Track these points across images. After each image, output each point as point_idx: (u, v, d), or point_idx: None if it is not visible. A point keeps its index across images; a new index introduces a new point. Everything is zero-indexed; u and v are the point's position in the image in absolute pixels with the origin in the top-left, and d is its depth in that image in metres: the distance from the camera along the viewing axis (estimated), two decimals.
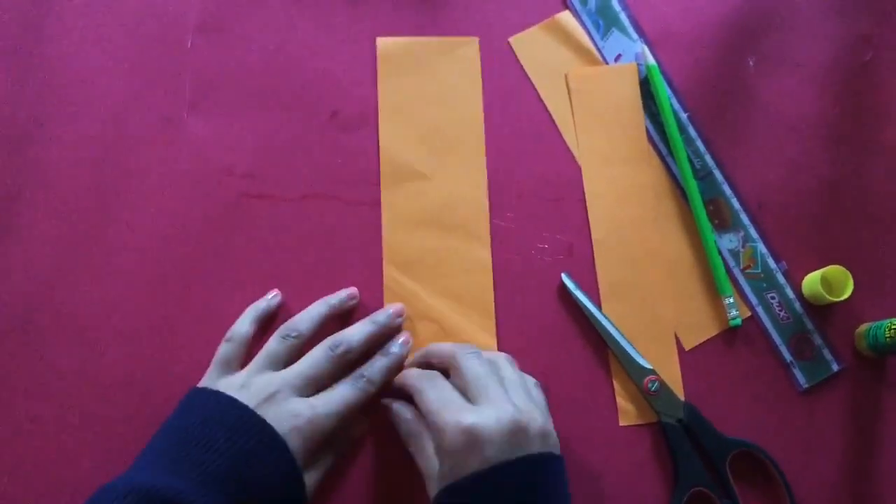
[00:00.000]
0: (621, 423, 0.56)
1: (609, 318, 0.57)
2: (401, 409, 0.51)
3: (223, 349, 0.52)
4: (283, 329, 0.52)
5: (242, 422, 0.46)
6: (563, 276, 0.57)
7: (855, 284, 0.56)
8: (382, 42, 0.60)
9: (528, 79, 0.61)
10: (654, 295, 0.58)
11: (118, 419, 0.53)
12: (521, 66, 0.61)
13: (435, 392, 0.48)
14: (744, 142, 0.61)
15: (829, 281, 0.57)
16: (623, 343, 0.56)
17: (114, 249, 0.56)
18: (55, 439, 0.53)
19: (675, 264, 0.58)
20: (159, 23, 0.60)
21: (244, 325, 0.53)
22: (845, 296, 0.56)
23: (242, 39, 0.60)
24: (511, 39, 0.61)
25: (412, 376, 0.50)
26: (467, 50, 0.61)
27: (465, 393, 0.47)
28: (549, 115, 0.60)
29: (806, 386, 0.57)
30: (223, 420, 0.46)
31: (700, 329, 0.58)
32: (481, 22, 0.61)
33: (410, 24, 0.61)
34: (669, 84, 0.61)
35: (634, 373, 0.56)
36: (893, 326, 0.54)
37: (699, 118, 0.61)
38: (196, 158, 0.58)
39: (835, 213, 0.60)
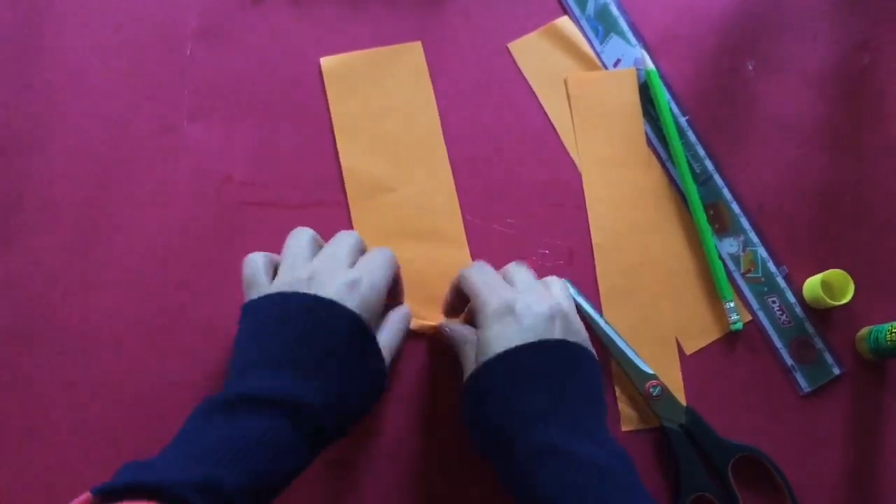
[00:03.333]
0: (623, 429, 0.56)
1: (610, 323, 0.56)
2: (448, 322, 0.52)
3: (244, 272, 0.48)
4: (294, 231, 0.50)
5: (297, 304, 0.45)
6: (564, 281, 0.57)
7: (856, 288, 0.56)
8: (326, 61, 0.59)
9: (528, 84, 0.61)
10: (655, 300, 0.58)
11: (117, 427, 0.53)
12: (521, 72, 0.61)
13: (481, 275, 0.49)
14: (743, 146, 0.61)
15: (829, 285, 0.57)
16: (624, 348, 0.56)
17: (113, 257, 0.56)
18: (51, 447, 0.53)
19: (675, 269, 0.58)
20: (158, 31, 0.60)
21: (257, 253, 0.49)
22: (846, 300, 0.56)
23: (242, 47, 0.60)
24: (510, 45, 0.61)
25: (464, 268, 0.51)
26: (411, 55, 0.60)
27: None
28: (549, 121, 0.60)
29: (807, 390, 0.57)
30: (276, 313, 0.45)
31: (701, 334, 0.58)
32: (481, 28, 0.61)
33: (411, 31, 0.61)
34: (669, 89, 0.61)
35: (636, 378, 0.56)
36: (894, 330, 0.54)
37: (699, 123, 0.61)
38: (195, 166, 0.58)
39: (835, 216, 0.60)
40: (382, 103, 0.59)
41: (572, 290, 0.56)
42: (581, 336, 0.48)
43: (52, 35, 0.59)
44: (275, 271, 0.49)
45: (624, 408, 0.56)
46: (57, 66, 0.59)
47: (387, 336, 0.49)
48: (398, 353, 0.50)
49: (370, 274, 0.47)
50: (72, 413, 0.54)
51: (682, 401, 0.56)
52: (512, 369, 0.44)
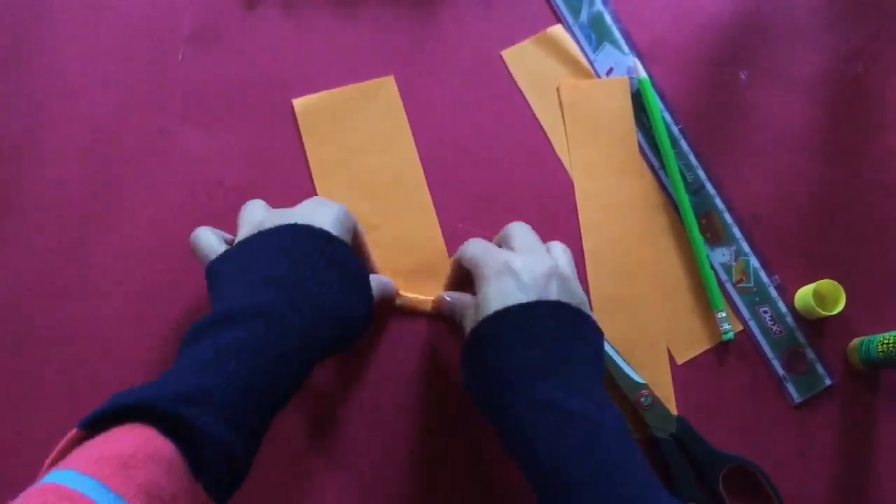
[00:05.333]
0: None
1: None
2: (446, 293, 0.53)
3: (200, 244, 0.49)
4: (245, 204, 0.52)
5: (271, 235, 0.46)
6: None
7: (847, 298, 0.56)
8: (299, 103, 0.59)
9: (521, 92, 0.61)
10: (647, 309, 0.58)
11: None
12: (514, 80, 0.61)
13: (479, 246, 0.49)
14: (736, 155, 0.61)
15: (821, 295, 0.57)
16: (615, 357, 0.56)
17: (104, 261, 0.56)
18: (44, 452, 0.52)
19: (667, 278, 0.58)
20: (151, 35, 0.60)
21: (200, 228, 0.50)
22: (838, 310, 0.56)
23: (234, 53, 0.60)
24: (503, 53, 0.61)
25: (462, 246, 0.51)
26: (385, 90, 0.60)
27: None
28: (541, 128, 0.60)
29: (799, 400, 0.57)
30: (246, 250, 0.46)
31: (692, 343, 0.58)
32: (475, 35, 0.61)
33: (404, 38, 0.61)
34: (661, 97, 0.61)
35: (627, 387, 0.55)
36: (886, 341, 0.54)
37: (691, 131, 0.61)
38: (187, 170, 0.58)
39: (827, 226, 0.60)
40: (358, 141, 0.59)
41: None
42: (579, 299, 0.47)
43: (44, 39, 0.59)
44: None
45: None
46: (49, 71, 0.59)
47: (373, 278, 0.50)
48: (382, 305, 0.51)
49: (333, 206, 0.49)
50: (58, 418, 0.53)
51: (673, 410, 0.56)
52: (511, 325, 0.45)
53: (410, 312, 0.56)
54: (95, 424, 0.36)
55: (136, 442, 0.34)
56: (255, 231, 0.47)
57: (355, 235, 0.51)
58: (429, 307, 0.56)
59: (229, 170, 0.58)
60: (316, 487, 0.54)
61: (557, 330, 0.45)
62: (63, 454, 0.35)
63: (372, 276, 0.51)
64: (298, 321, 0.42)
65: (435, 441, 0.55)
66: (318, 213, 0.48)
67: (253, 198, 0.57)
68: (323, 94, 0.59)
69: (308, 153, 0.58)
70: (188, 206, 0.57)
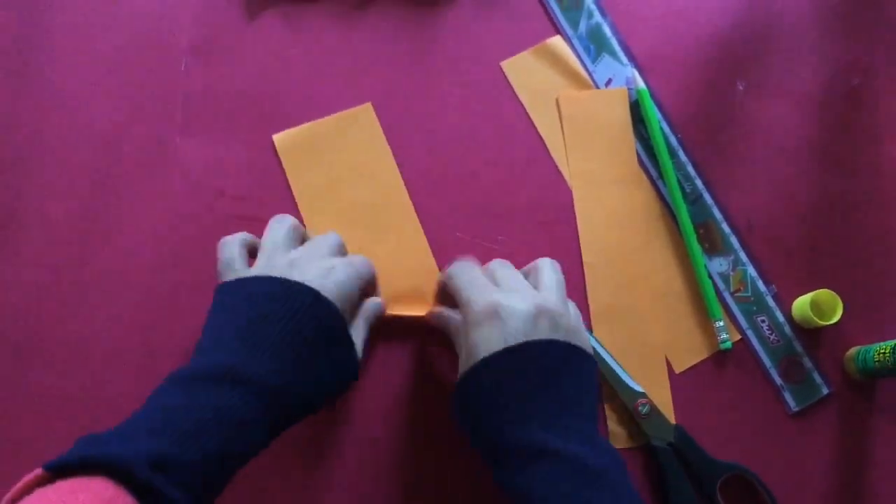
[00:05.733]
0: None
1: (600, 341, 0.57)
2: (442, 309, 0.52)
3: (221, 255, 0.49)
4: (275, 217, 0.51)
5: (273, 289, 0.45)
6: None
7: (844, 308, 0.56)
8: (279, 138, 0.59)
9: (520, 102, 0.61)
10: (645, 318, 0.58)
11: None
12: (513, 90, 0.61)
13: (466, 275, 0.49)
14: (734, 165, 0.61)
15: (818, 305, 0.57)
16: (614, 366, 0.56)
17: (105, 271, 0.56)
18: (43, 460, 0.53)
19: (665, 287, 0.59)
20: (153, 46, 0.60)
21: (234, 236, 0.50)
22: (835, 319, 0.56)
23: (235, 63, 0.60)
24: (503, 64, 0.62)
25: (449, 266, 0.51)
26: (363, 117, 0.60)
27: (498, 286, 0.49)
28: (541, 139, 0.61)
29: (796, 409, 0.57)
30: (249, 295, 0.45)
31: (690, 352, 0.58)
32: (474, 47, 0.62)
33: (404, 49, 0.61)
34: (660, 108, 0.61)
35: (625, 396, 0.56)
36: (882, 350, 0.54)
37: (689, 142, 0.61)
38: (188, 180, 0.58)
39: (824, 237, 0.60)
40: (341, 170, 0.59)
41: None
42: (568, 331, 0.47)
43: (45, 49, 0.60)
44: (251, 255, 0.49)
45: (613, 426, 0.56)
46: (50, 82, 0.59)
47: (358, 327, 0.49)
48: (367, 343, 0.51)
49: (347, 265, 0.48)
50: (60, 426, 0.54)
51: (671, 419, 0.56)
52: (497, 373, 0.44)
53: (404, 321, 0.56)
54: (60, 468, 0.36)
55: (103, 498, 0.35)
56: (267, 273, 0.46)
57: (372, 285, 0.52)
58: (420, 318, 0.55)
59: (230, 180, 0.58)
60: None
61: (546, 370, 0.45)
62: (24, 493, 0.35)
63: (365, 311, 0.51)
64: (278, 394, 0.42)
65: (424, 457, 0.55)
66: (335, 274, 0.47)
67: (253, 207, 0.58)
68: (302, 127, 0.59)
69: (292, 186, 0.58)
70: (189, 216, 0.57)
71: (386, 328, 0.56)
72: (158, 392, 0.42)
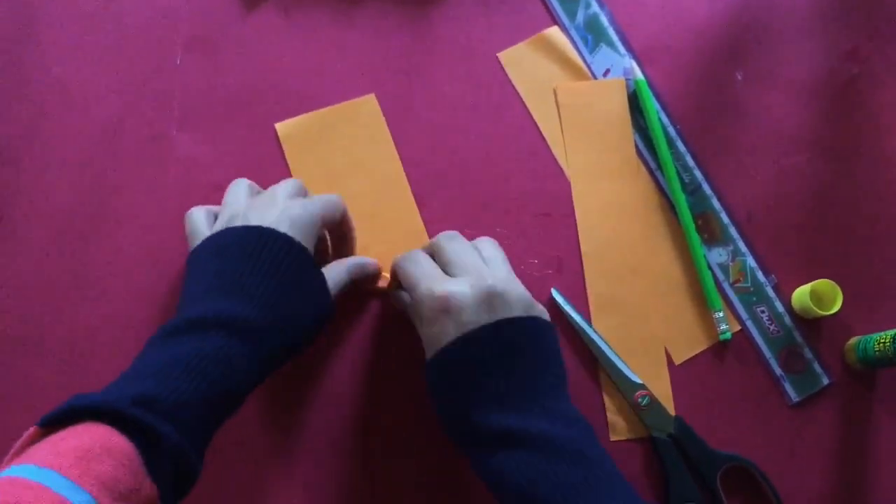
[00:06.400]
0: (612, 439, 0.56)
1: (599, 332, 0.57)
2: (399, 293, 0.53)
3: (186, 227, 0.51)
4: (234, 181, 0.53)
5: (227, 239, 0.47)
6: (553, 291, 0.57)
7: (844, 298, 0.56)
8: (281, 126, 0.59)
9: (517, 94, 0.61)
10: (644, 309, 0.58)
11: None
12: (510, 82, 0.61)
13: (413, 267, 0.49)
14: (733, 156, 0.61)
15: (818, 294, 0.57)
16: (613, 358, 0.56)
17: (102, 266, 0.56)
18: None
19: (664, 278, 0.59)
20: (148, 41, 0.60)
21: (198, 207, 0.52)
22: (835, 309, 0.56)
23: (231, 57, 0.60)
24: (500, 55, 0.61)
25: (397, 257, 0.52)
26: (367, 108, 0.59)
27: (447, 270, 0.49)
28: (538, 130, 0.60)
29: (796, 399, 0.57)
30: (210, 251, 0.47)
31: (690, 343, 0.58)
32: (471, 37, 0.61)
33: (402, 39, 0.61)
34: (658, 98, 0.61)
35: (625, 387, 0.56)
36: (882, 340, 0.54)
37: (688, 132, 0.61)
38: (184, 175, 0.58)
39: (824, 226, 0.60)
40: (343, 161, 0.59)
41: (560, 300, 0.56)
42: (520, 305, 0.47)
43: (41, 44, 0.59)
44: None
45: (612, 417, 0.56)
46: (46, 77, 0.59)
47: (333, 269, 0.50)
48: (345, 289, 0.51)
49: (304, 204, 0.48)
50: None
51: (671, 411, 0.56)
52: (456, 362, 0.45)
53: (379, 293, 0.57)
54: (54, 423, 0.37)
55: (93, 437, 0.36)
56: (227, 226, 0.47)
57: (342, 222, 0.52)
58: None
59: (226, 174, 0.58)
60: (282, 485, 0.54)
61: (503, 351, 0.45)
62: (22, 450, 0.36)
63: (349, 260, 0.52)
64: (255, 331, 0.43)
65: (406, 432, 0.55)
66: (289, 210, 0.48)
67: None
68: (305, 116, 0.59)
69: (293, 175, 0.58)
70: (185, 211, 0.57)
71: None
72: (141, 353, 0.43)
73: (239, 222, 0.47)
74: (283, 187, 0.50)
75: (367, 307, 0.57)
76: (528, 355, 0.46)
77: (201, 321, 0.42)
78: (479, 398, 0.44)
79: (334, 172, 0.58)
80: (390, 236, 0.58)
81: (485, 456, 0.44)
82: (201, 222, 0.50)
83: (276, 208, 0.48)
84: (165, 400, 0.39)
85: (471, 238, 0.52)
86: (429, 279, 0.48)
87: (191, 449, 0.39)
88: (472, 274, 0.47)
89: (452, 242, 0.50)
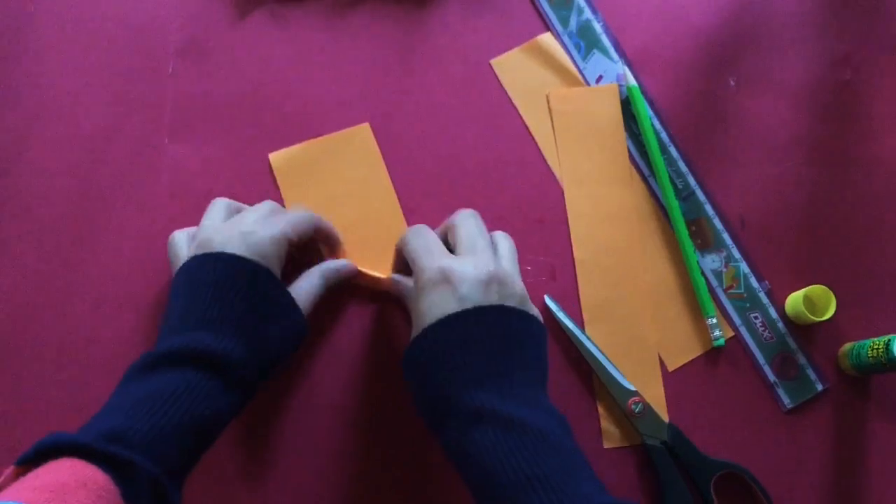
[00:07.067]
0: (605, 446, 0.56)
1: (592, 339, 0.56)
2: (398, 276, 0.53)
3: (169, 253, 0.51)
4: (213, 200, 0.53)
5: (190, 266, 0.47)
6: (546, 298, 0.57)
7: (838, 304, 0.56)
8: (275, 157, 0.58)
9: (510, 100, 0.61)
10: (637, 316, 0.58)
11: None
12: (503, 88, 0.61)
13: (420, 240, 0.49)
14: (726, 162, 0.61)
15: (811, 300, 0.57)
16: (606, 365, 0.56)
17: (93, 276, 0.56)
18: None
19: (657, 285, 0.58)
20: (140, 49, 0.60)
21: (179, 231, 0.52)
22: (828, 315, 0.56)
23: (223, 65, 0.60)
24: (493, 61, 0.61)
25: (405, 232, 0.51)
26: (360, 137, 0.59)
27: (455, 248, 0.49)
28: (531, 136, 0.60)
29: (790, 406, 0.57)
30: (179, 281, 0.48)
31: (683, 350, 0.58)
32: (463, 44, 0.61)
33: (394, 48, 0.61)
34: (651, 105, 0.61)
35: (618, 394, 0.56)
36: (876, 346, 0.54)
37: (681, 138, 0.61)
38: (176, 183, 0.58)
39: (817, 232, 0.60)
40: (338, 191, 0.58)
41: (553, 307, 0.56)
42: (518, 298, 0.47)
43: (33, 52, 0.59)
44: None
45: (606, 425, 0.56)
46: (37, 85, 0.59)
47: (303, 284, 0.51)
48: (320, 298, 0.52)
49: (270, 225, 0.49)
50: (52, 426, 0.54)
51: (665, 417, 0.56)
52: (446, 337, 0.45)
53: (372, 288, 0.56)
54: (31, 462, 0.38)
55: (69, 472, 0.36)
56: (196, 252, 0.48)
57: (321, 232, 0.53)
58: (385, 284, 0.55)
59: (219, 182, 0.58)
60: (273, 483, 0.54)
61: (493, 335, 0.45)
62: (1, 489, 0.36)
63: (320, 267, 0.52)
64: (224, 361, 0.44)
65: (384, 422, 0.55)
66: (253, 235, 0.48)
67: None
68: (298, 146, 0.59)
69: (286, 205, 0.58)
70: (177, 219, 0.57)
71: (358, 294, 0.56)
72: (116, 389, 0.44)
73: (206, 248, 0.47)
74: (254, 210, 0.51)
75: (346, 314, 0.57)
76: (517, 346, 0.45)
77: (170, 355, 0.43)
78: (463, 375, 0.44)
79: (328, 201, 0.58)
80: (386, 262, 0.56)
81: (457, 433, 0.43)
82: (181, 247, 0.50)
83: (241, 233, 0.48)
84: (138, 432, 0.39)
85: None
86: (436, 253, 0.48)
87: (167, 480, 0.40)
88: (478, 256, 0.47)
89: (470, 220, 0.50)
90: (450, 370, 0.44)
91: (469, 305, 0.45)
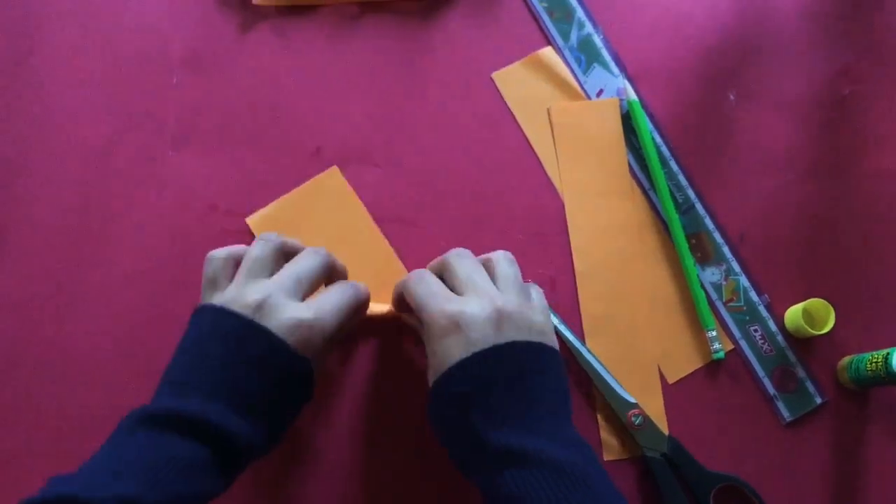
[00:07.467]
0: (605, 458, 0.56)
1: (592, 351, 0.57)
2: (408, 316, 0.53)
3: (205, 271, 0.49)
4: (262, 234, 0.50)
5: (239, 332, 0.44)
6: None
7: (837, 317, 0.56)
8: (252, 220, 0.58)
9: (511, 113, 0.61)
10: (638, 329, 0.58)
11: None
12: (504, 101, 0.61)
13: (422, 287, 0.48)
14: (725, 175, 0.61)
15: (811, 314, 0.57)
16: (607, 377, 0.56)
17: (97, 286, 0.56)
18: (32, 475, 0.53)
19: (657, 298, 0.59)
20: (144, 60, 0.60)
21: (220, 250, 0.50)
22: (827, 329, 0.56)
23: (227, 76, 0.60)
24: (494, 75, 0.62)
25: (404, 278, 0.51)
26: (331, 182, 0.59)
27: (456, 290, 0.48)
28: (532, 150, 0.61)
29: (789, 419, 0.57)
30: (218, 333, 0.45)
31: (683, 362, 0.58)
32: (465, 58, 0.62)
33: (397, 59, 0.61)
34: (651, 119, 0.61)
35: (618, 407, 0.56)
36: (875, 359, 0.54)
37: (681, 152, 0.61)
38: (180, 195, 0.58)
39: (816, 246, 0.60)
40: (320, 239, 0.58)
41: (554, 319, 0.57)
42: (531, 329, 0.46)
43: (37, 63, 0.60)
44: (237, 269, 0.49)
45: (606, 437, 0.56)
46: (42, 95, 0.59)
47: (332, 297, 0.48)
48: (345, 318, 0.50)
49: (321, 316, 0.46)
50: (53, 439, 0.54)
51: (665, 430, 0.56)
52: (463, 382, 0.44)
53: (377, 324, 0.56)
54: None
55: None
56: (242, 309, 0.45)
57: (332, 274, 0.51)
58: (391, 316, 0.55)
59: (222, 194, 0.58)
60: None
61: (511, 373, 0.45)
62: None
63: (359, 284, 0.51)
64: (243, 448, 0.43)
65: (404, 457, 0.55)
66: (315, 326, 0.46)
67: (244, 223, 0.58)
68: (273, 204, 0.58)
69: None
70: (180, 231, 0.57)
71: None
72: (123, 429, 0.42)
73: (250, 312, 0.45)
74: (308, 269, 0.48)
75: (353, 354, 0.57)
76: (536, 378, 0.45)
77: (188, 422, 0.42)
78: (484, 417, 0.44)
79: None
80: (384, 297, 0.56)
81: (490, 477, 0.43)
82: (219, 272, 0.48)
83: (291, 312, 0.45)
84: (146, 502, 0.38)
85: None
86: (439, 300, 0.47)
87: None
88: (481, 294, 0.47)
89: (462, 260, 0.50)
90: (470, 413, 0.44)
91: (482, 347, 0.44)
